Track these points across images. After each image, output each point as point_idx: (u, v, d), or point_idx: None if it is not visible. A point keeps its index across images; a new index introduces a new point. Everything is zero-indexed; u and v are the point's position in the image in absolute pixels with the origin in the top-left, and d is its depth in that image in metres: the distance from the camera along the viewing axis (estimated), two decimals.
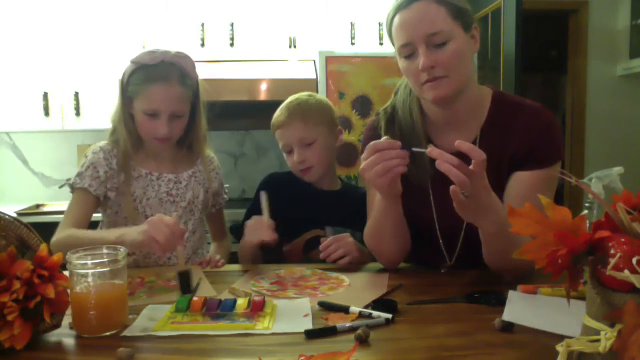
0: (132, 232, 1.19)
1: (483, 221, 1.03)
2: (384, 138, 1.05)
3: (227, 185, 1.63)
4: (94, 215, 1.40)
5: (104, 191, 1.39)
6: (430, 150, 0.96)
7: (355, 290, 1.10)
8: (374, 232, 1.23)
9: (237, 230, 1.50)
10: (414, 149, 1.03)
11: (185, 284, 1.10)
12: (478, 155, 0.93)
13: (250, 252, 1.39)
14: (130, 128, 1.41)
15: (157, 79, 1.34)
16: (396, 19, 1.14)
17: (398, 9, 1.14)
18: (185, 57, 1.40)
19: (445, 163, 0.93)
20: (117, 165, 1.40)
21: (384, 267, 1.28)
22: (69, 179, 1.39)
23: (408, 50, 1.13)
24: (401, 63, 1.17)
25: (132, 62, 1.39)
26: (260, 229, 1.34)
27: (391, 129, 1.26)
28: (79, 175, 1.37)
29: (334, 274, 1.22)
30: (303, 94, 1.54)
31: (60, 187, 1.50)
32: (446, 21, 1.10)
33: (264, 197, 1.40)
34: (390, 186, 1.09)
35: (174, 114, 1.37)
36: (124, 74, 1.40)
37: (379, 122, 1.30)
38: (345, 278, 1.18)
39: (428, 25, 1.10)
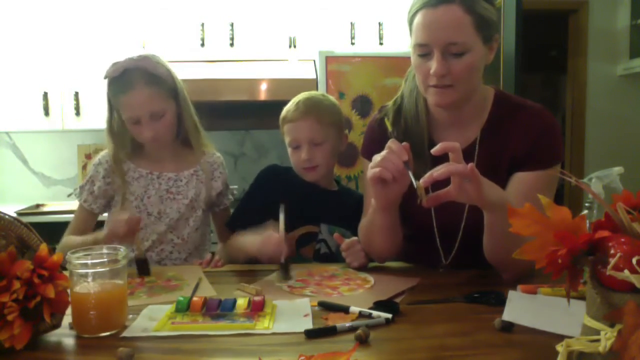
0: (99, 236, 1.32)
1: (486, 196, 1.00)
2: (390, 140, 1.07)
3: (233, 186, 1.63)
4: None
5: (104, 202, 1.47)
6: (422, 183, 0.99)
7: (371, 293, 1.08)
8: (366, 229, 1.25)
9: (232, 225, 1.49)
10: (410, 173, 1.03)
11: (143, 268, 1.24)
12: (451, 146, 0.98)
13: (243, 258, 1.36)
14: (124, 134, 1.45)
15: (123, 89, 1.37)
16: (419, 16, 1.11)
17: (424, 6, 1.10)
18: (147, 58, 1.42)
19: (442, 169, 0.97)
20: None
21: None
22: (76, 189, 1.49)
23: (423, 50, 1.11)
24: (414, 58, 1.15)
25: (104, 77, 1.41)
26: (274, 244, 1.25)
27: (398, 121, 1.26)
28: (80, 187, 1.48)
29: (363, 275, 1.21)
30: (317, 93, 1.54)
31: (69, 195, 1.62)
32: (469, 32, 1.08)
33: (282, 211, 1.30)
34: (378, 188, 1.09)
35: (154, 115, 1.38)
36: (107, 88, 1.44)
37: (382, 117, 1.29)
38: (372, 280, 1.17)
39: (450, 33, 1.07)
